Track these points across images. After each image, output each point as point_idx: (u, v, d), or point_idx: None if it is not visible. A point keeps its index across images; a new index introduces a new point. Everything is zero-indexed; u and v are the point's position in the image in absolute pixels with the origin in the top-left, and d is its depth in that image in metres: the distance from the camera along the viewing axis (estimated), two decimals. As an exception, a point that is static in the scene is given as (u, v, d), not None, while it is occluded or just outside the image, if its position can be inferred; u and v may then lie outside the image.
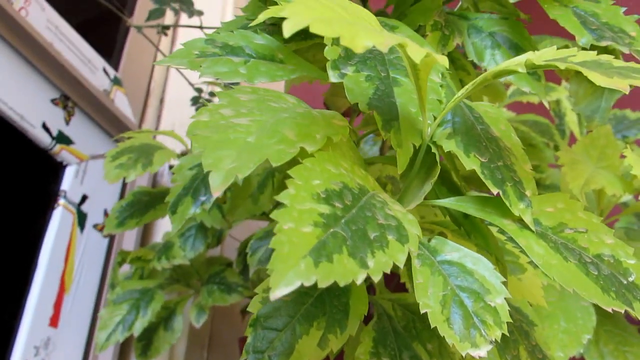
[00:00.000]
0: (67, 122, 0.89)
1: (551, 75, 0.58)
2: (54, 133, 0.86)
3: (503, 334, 0.30)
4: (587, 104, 0.45)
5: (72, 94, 0.90)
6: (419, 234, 0.23)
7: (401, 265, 0.21)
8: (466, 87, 0.26)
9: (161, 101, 1.17)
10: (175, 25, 0.90)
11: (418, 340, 0.35)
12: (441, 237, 0.28)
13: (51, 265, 0.81)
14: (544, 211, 0.28)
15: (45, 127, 0.84)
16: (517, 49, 0.40)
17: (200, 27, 0.89)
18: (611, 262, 0.27)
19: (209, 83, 0.95)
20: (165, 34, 0.94)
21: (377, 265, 0.20)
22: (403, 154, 0.27)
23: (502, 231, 0.32)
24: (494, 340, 0.25)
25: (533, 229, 0.27)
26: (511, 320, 0.26)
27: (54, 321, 0.81)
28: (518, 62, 0.24)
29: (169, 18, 1.23)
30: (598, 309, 0.58)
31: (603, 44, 0.35)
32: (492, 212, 0.28)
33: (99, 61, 1.03)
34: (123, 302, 0.69)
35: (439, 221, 0.35)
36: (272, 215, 0.19)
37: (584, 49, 0.33)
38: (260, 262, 0.54)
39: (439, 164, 0.28)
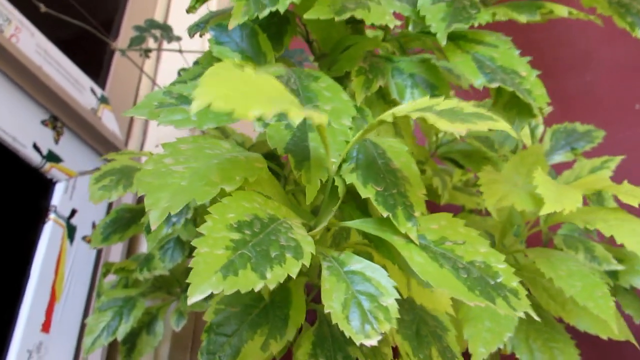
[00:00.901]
0: (57, 142, 0.96)
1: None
2: (44, 152, 0.93)
3: (417, 337, 0.38)
4: (497, 134, 0.53)
5: (60, 115, 0.97)
6: (312, 251, 0.30)
7: (294, 276, 0.28)
8: (359, 132, 0.34)
9: (146, 117, 1.24)
10: (158, 49, 0.98)
11: (353, 344, 0.43)
12: (349, 252, 0.35)
13: (43, 275, 0.88)
14: (429, 228, 0.36)
15: (35, 147, 0.92)
16: (432, 88, 0.47)
17: (180, 51, 0.97)
18: (482, 267, 0.35)
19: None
20: (148, 57, 1.02)
21: (274, 277, 0.28)
22: (311, 188, 0.34)
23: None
24: (383, 332, 0.33)
25: (417, 243, 0.34)
26: (399, 316, 0.33)
27: (45, 327, 0.88)
28: (387, 114, 0.31)
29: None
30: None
31: (493, 85, 0.42)
32: (387, 230, 0.35)
33: (86, 81, 1.10)
34: (107, 309, 0.76)
35: (365, 241, 0.42)
36: (192, 243, 0.26)
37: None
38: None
39: (339, 195, 0.35)
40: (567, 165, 0.90)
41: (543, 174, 0.54)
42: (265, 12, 0.38)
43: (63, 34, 1.11)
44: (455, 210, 0.83)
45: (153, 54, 1.24)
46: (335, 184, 0.35)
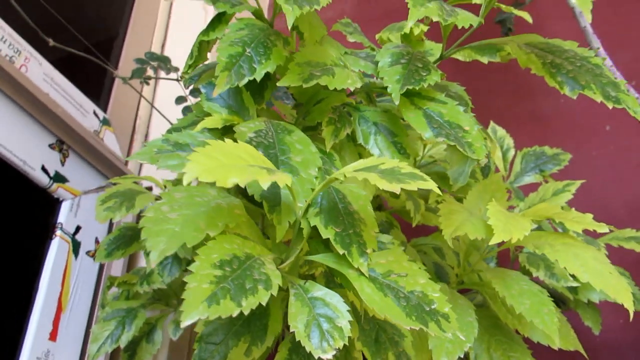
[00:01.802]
0: (63, 163, 1.05)
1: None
2: (52, 174, 1.02)
3: (376, 343, 0.47)
4: (456, 168, 0.62)
5: (66, 139, 1.06)
6: (280, 283, 0.39)
7: (264, 303, 0.37)
8: (323, 183, 0.42)
9: (146, 137, 1.33)
10: (156, 78, 1.06)
11: (325, 351, 0.51)
12: (312, 281, 0.44)
13: (50, 288, 0.97)
14: (379, 262, 0.44)
15: (44, 169, 1.00)
16: (392, 135, 0.56)
17: (178, 80, 1.05)
18: (420, 296, 0.43)
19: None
20: (148, 84, 1.10)
21: (248, 305, 0.36)
22: (281, 229, 0.43)
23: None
24: (338, 348, 0.41)
25: (367, 276, 0.43)
26: (350, 335, 0.41)
27: (53, 336, 0.96)
28: (339, 173, 0.40)
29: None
30: (492, 324, 0.74)
31: (439, 139, 0.51)
32: (344, 264, 0.44)
33: (89, 105, 1.19)
34: (111, 319, 0.85)
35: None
36: (184, 279, 0.35)
37: (415, 158, 0.49)
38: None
39: (304, 235, 0.44)
40: (537, 186, 0.99)
41: (496, 205, 0.62)
42: (245, 81, 0.47)
43: (68, 60, 1.19)
44: (429, 230, 0.91)
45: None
46: (302, 226, 0.44)
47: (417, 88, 0.52)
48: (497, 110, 1.28)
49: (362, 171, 0.40)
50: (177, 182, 0.87)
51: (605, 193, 1.20)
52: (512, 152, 1.03)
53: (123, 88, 1.30)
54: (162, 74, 1.07)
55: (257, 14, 0.53)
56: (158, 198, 0.90)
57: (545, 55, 0.56)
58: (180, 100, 1.04)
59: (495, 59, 0.71)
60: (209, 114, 0.52)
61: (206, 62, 0.61)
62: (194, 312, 0.34)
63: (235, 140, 0.41)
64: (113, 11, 1.40)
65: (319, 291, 0.43)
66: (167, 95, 1.32)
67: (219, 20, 0.52)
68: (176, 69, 1.03)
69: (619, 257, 0.98)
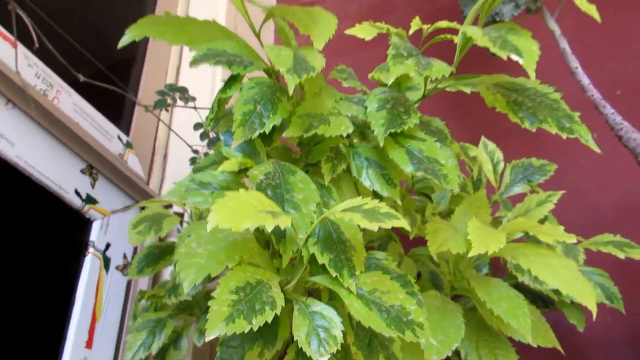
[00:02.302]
0: (93, 186, 1.16)
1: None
2: (84, 196, 1.13)
3: (369, 347, 0.57)
4: (438, 193, 0.72)
5: (95, 163, 1.17)
6: (282, 304, 0.49)
7: (269, 321, 0.47)
8: (320, 217, 0.53)
9: (165, 156, 1.44)
10: (175, 106, 1.17)
11: (328, 352, 0.62)
12: (312, 298, 0.54)
13: (85, 300, 1.08)
14: (365, 282, 0.54)
15: (77, 192, 1.12)
16: (382, 168, 0.66)
17: (195, 108, 1.16)
18: (398, 309, 0.53)
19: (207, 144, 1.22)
20: (167, 111, 1.21)
21: (257, 322, 0.46)
22: (286, 257, 0.53)
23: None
24: (332, 352, 0.51)
25: (355, 293, 0.53)
26: (343, 342, 0.52)
27: (89, 344, 1.08)
28: (331, 212, 0.50)
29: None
30: (480, 326, 0.84)
31: (418, 174, 0.61)
32: (337, 284, 0.54)
33: (114, 130, 1.30)
34: (143, 329, 0.96)
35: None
36: (208, 303, 0.45)
37: (415, 182, 0.60)
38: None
39: (304, 261, 0.54)
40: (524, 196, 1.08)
41: (476, 222, 0.72)
42: (256, 134, 0.57)
43: (93, 89, 1.30)
44: (426, 241, 1.01)
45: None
46: (303, 253, 0.54)
47: (398, 130, 0.61)
48: (489, 123, 1.37)
49: (348, 211, 0.50)
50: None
51: (592, 198, 1.29)
52: (501, 164, 1.12)
53: (143, 113, 1.41)
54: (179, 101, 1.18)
55: (267, 71, 0.64)
56: (179, 214, 1.01)
57: (510, 94, 0.66)
58: (197, 126, 1.14)
59: (476, 89, 0.81)
60: (226, 158, 0.62)
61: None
62: (216, 329, 0.45)
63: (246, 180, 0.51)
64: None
65: (318, 306, 0.54)
66: (183, 118, 1.43)
67: (234, 79, 0.62)
68: (193, 99, 1.14)
69: (601, 258, 1.08)
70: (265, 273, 0.52)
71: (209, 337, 0.44)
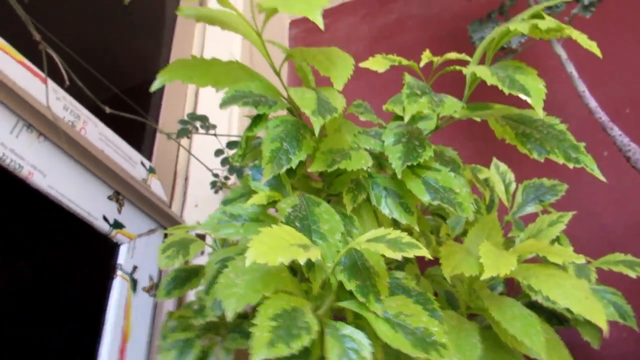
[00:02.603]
0: (119, 212, 1.22)
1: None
2: (111, 221, 1.19)
3: None
4: (453, 219, 0.76)
5: (121, 189, 1.23)
6: (317, 329, 0.54)
7: (307, 344, 0.52)
8: (346, 248, 0.58)
9: (186, 179, 1.50)
10: (196, 132, 1.23)
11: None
12: (341, 322, 0.59)
13: (116, 321, 1.14)
14: (390, 306, 0.59)
15: (104, 218, 1.17)
16: (399, 197, 0.71)
17: (215, 135, 1.22)
18: (423, 330, 0.58)
19: (227, 168, 1.27)
20: (189, 138, 1.27)
21: (295, 346, 0.51)
22: (316, 284, 0.58)
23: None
24: (362, 373, 0.56)
25: (382, 317, 0.58)
26: (372, 361, 0.56)
27: (120, 363, 1.13)
28: (356, 242, 0.55)
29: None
30: (497, 344, 0.88)
31: (435, 203, 0.66)
32: (364, 308, 0.59)
33: (137, 156, 1.36)
34: (172, 348, 1.01)
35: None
36: (250, 329, 0.50)
37: (430, 204, 0.64)
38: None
39: (332, 287, 0.59)
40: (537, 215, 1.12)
41: (487, 244, 0.77)
42: (283, 170, 0.62)
43: (117, 117, 1.36)
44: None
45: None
46: (331, 281, 0.59)
47: (414, 163, 0.67)
48: (500, 144, 1.41)
49: (372, 241, 0.55)
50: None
51: (605, 216, 1.33)
52: (513, 185, 1.17)
53: (165, 139, 1.47)
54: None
55: (290, 109, 0.69)
56: (201, 236, 1.06)
57: (518, 125, 0.71)
58: (218, 153, 1.20)
59: (489, 110, 0.86)
60: (254, 191, 0.68)
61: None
62: (260, 354, 0.50)
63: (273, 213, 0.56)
64: (152, 62, 1.58)
65: (347, 329, 0.58)
66: (202, 141, 1.48)
67: (259, 118, 0.68)
68: (214, 127, 1.19)
69: (614, 277, 1.11)
70: (298, 300, 0.56)
71: (254, 361, 0.49)
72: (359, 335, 0.58)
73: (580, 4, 1.08)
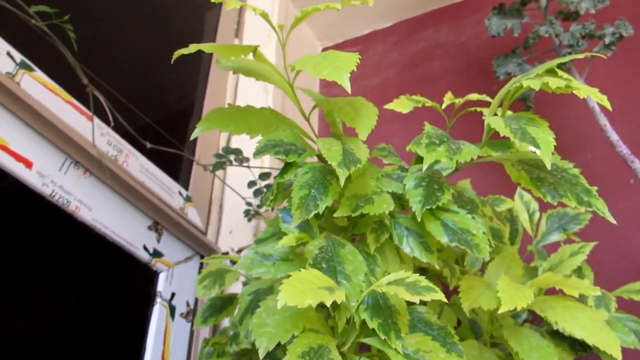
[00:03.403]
0: (158, 241, 1.30)
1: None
2: (151, 251, 1.27)
3: None
4: (471, 256, 0.81)
5: (160, 220, 1.31)
6: (342, 364, 0.60)
7: (332, 379, 0.58)
8: (369, 289, 0.63)
9: (220, 207, 1.58)
10: (230, 165, 1.30)
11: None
12: (365, 357, 0.64)
13: (155, 347, 1.21)
14: (410, 342, 0.65)
15: (145, 248, 1.25)
16: (420, 237, 0.76)
17: (249, 167, 1.29)
18: (440, 366, 0.63)
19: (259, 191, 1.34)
20: (224, 169, 1.34)
21: (322, 380, 0.57)
22: (341, 323, 0.64)
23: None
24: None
25: (402, 353, 0.63)
26: (392, 395, 0.62)
27: (160, 387, 1.20)
28: (377, 285, 0.61)
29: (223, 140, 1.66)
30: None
31: (452, 244, 0.71)
32: (385, 345, 0.64)
33: (175, 186, 1.44)
34: (208, 374, 1.08)
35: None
36: (281, 366, 0.56)
37: (448, 245, 0.70)
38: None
39: (356, 326, 0.65)
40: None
41: (505, 279, 0.81)
42: (312, 215, 0.69)
43: (157, 151, 1.44)
44: (465, 289, 1.10)
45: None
46: (355, 320, 0.65)
47: (433, 207, 0.72)
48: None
49: (393, 284, 0.61)
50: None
51: (631, 243, 1.35)
52: (537, 214, 1.20)
53: (200, 170, 1.55)
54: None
55: (319, 155, 0.76)
56: (245, 283, 1.13)
57: (533, 170, 0.76)
58: (251, 184, 1.27)
59: (506, 154, 0.91)
60: (284, 232, 0.74)
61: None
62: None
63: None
64: (189, 99, 1.67)
65: (369, 365, 0.64)
66: (237, 171, 1.56)
67: (289, 165, 0.74)
68: (247, 159, 1.27)
69: (636, 305, 1.14)
70: (324, 337, 0.62)
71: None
72: (381, 371, 0.63)
73: (602, 42, 1.12)
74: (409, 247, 0.76)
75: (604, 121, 1.12)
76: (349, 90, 0.62)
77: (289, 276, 0.59)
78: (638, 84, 1.46)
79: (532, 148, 0.65)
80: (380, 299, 0.68)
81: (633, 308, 1.14)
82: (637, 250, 1.35)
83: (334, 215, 0.72)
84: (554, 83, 0.64)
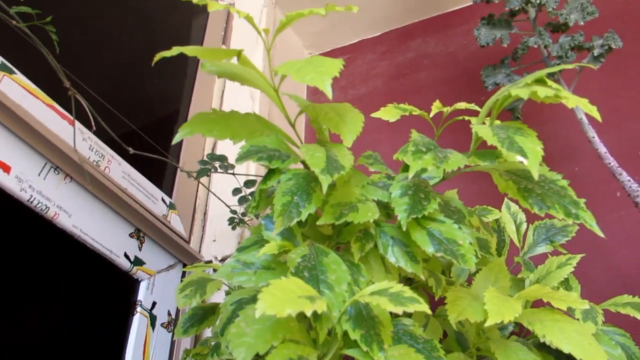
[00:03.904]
0: (140, 249, 1.28)
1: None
2: (132, 259, 1.24)
3: None
4: (457, 267, 0.80)
5: (142, 227, 1.29)
6: (322, 377, 0.58)
7: (312, 392, 0.56)
8: (351, 299, 0.62)
9: (204, 214, 1.56)
10: (215, 171, 1.29)
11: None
12: (346, 368, 0.63)
13: (135, 356, 1.18)
14: (393, 355, 0.63)
15: (126, 255, 1.23)
16: (406, 246, 0.75)
17: (234, 174, 1.27)
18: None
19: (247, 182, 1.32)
20: (209, 176, 1.32)
21: (301, 394, 0.55)
22: (322, 334, 0.62)
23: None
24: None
25: (385, 365, 0.62)
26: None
27: (138, 398, 1.17)
28: (360, 295, 0.59)
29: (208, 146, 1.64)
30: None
31: (438, 254, 0.70)
32: (367, 356, 0.62)
33: (158, 193, 1.42)
34: (188, 385, 1.05)
35: None
36: (259, 378, 0.55)
37: (434, 255, 0.69)
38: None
39: (338, 336, 0.63)
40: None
41: (493, 291, 0.80)
42: (294, 222, 0.67)
43: (140, 157, 1.42)
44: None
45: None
46: (336, 330, 0.63)
47: (419, 216, 0.71)
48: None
49: (376, 295, 0.59)
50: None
51: (617, 255, 1.35)
52: (524, 225, 1.20)
53: (184, 176, 1.53)
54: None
55: (303, 162, 0.74)
56: (227, 293, 1.11)
57: (520, 180, 0.75)
58: (236, 192, 1.26)
59: (494, 163, 0.90)
60: (266, 240, 0.72)
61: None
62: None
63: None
64: (175, 104, 1.65)
65: (352, 376, 0.62)
66: (221, 179, 1.54)
67: (273, 172, 0.73)
68: (232, 167, 1.25)
69: (623, 318, 1.13)
70: (305, 349, 0.61)
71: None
72: (364, 381, 0.62)
73: (591, 54, 1.12)
74: (394, 256, 0.74)
75: (592, 133, 1.11)
76: (330, 97, 0.61)
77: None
78: (626, 96, 1.46)
79: (519, 158, 0.64)
80: (364, 310, 0.66)
81: (620, 321, 1.13)
82: (623, 263, 1.35)
83: (317, 223, 0.70)
84: (543, 92, 0.64)
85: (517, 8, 1.16)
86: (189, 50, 0.72)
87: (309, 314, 0.54)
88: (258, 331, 0.60)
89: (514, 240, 1.18)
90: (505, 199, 1.24)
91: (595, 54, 1.11)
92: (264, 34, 0.75)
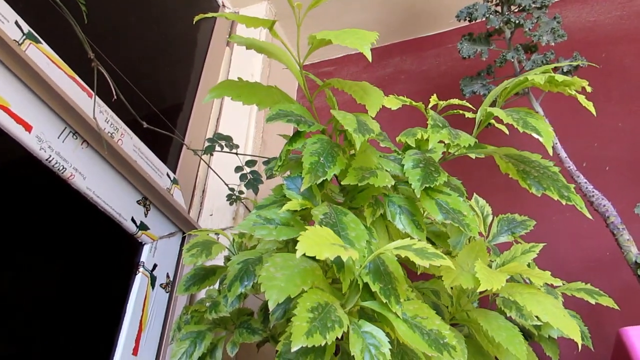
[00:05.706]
0: (146, 215, 1.17)
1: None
2: (138, 223, 1.14)
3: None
4: (454, 239, 0.74)
5: (149, 195, 1.19)
6: (348, 323, 0.51)
7: (340, 337, 0.49)
8: (371, 255, 0.55)
9: (203, 192, 1.46)
10: (221, 150, 1.20)
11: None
12: (363, 319, 0.56)
13: (134, 313, 1.08)
14: (409, 309, 0.56)
15: (133, 220, 1.13)
16: (412, 214, 0.69)
17: (237, 154, 1.19)
18: (436, 332, 0.55)
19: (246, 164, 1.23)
20: (212, 154, 1.23)
21: (330, 337, 0.48)
22: (345, 284, 0.55)
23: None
24: (382, 366, 0.53)
25: (401, 317, 0.55)
26: (391, 358, 0.53)
27: (135, 351, 1.07)
28: (386, 248, 0.52)
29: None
30: (477, 351, 0.85)
31: (447, 222, 0.64)
32: (385, 309, 0.56)
33: (164, 168, 1.32)
34: (186, 339, 0.95)
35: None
36: (291, 319, 0.47)
37: (443, 222, 0.62)
38: (277, 319, 0.81)
39: (359, 287, 0.56)
40: (509, 244, 1.11)
41: (482, 263, 0.75)
42: (320, 180, 0.60)
43: (150, 132, 1.32)
44: (428, 276, 1.03)
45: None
46: (358, 282, 0.56)
47: (431, 186, 0.65)
48: (479, 180, 1.41)
49: (401, 249, 0.53)
50: (242, 234, 0.99)
51: (563, 250, 1.32)
52: (490, 217, 1.15)
53: (188, 154, 1.43)
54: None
55: (323, 131, 0.67)
56: (231, 254, 1.02)
57: (519, 164, 0.70)
58: (238, 169, 1.17)
59: (480, 155, 0.85)
60: (288, 199, 0.65)
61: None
62: (299, 342, 0.47)
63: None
64: (182, 95, 1.56)
65: (368, 327, 0.55)
66: (220, 159, 1.45)
67: (298, 135, 0.65)
68: (237, 146, 1.17)
69: (573, 302, 1.10)
70: (330, 296, 0.53)
71: (294, 348, 0.46)
72: (379, 333, 0.55)
73: (560, 70, 1.09)
74: (402, 224, 0.68)
75: (555, 140, 1.08)
76: (370, 58, 0.54)
77: (289, 241, 0.51)
78: (584, 111, 1.44)
79: (535, 135, 0.58)
80: (381, 266, 0.59)
81: (571, 305, 1.09)
82: (566, 256, 1.32)
83: (342, 182, 0.63)
84: (561, 77, 0.59)
85: (497, 27, 1.13)
86: (229, 16, 0.65)
87: (345, 259, 0.47)
88: (288, 276, 0.52)
89: (481, 230, 1.14)
90: (475, 194, 1.20)
91: (565, 70, 1.08)
92: (296, 9, 0.68)
